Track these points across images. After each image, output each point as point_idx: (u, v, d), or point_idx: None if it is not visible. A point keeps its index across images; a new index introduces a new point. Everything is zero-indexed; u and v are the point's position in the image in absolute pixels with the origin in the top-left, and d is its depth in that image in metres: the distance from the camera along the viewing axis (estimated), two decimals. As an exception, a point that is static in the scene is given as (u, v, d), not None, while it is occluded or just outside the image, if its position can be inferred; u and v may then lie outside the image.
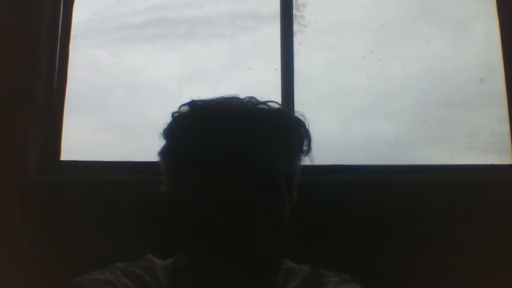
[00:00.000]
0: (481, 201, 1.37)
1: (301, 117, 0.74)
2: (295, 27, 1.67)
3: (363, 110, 1.65)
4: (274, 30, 1.66)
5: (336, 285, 0.69)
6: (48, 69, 1.58)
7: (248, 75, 1.66)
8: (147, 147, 1.41)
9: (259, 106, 0.73)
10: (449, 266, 1.32)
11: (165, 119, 0.75)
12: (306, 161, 0.76)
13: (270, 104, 0.73)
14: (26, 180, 1.41)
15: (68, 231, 1.34)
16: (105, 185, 1.41)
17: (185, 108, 0.73)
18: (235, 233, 0.63)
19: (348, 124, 1.66)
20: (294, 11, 1.69)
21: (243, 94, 0.75)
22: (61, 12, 1.64)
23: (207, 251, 0.65)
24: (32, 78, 1.51)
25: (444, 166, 1.53)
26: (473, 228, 1.34)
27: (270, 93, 1.53)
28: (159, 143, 0.74)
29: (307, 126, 0.74)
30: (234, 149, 0.66)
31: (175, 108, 0.75)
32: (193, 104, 0.73)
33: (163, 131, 0.74)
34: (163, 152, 0.74)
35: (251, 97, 0.73)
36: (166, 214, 0.72)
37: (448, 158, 1.57)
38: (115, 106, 1.66)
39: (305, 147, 0.74)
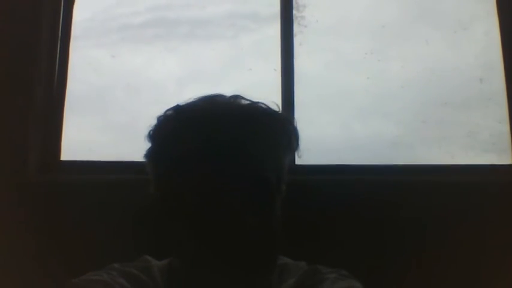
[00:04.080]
0: (481, 201, 1.37)
1: (286, 115, 0.74)
2: (295, 28, 1.67)
3: (362, 110, 1.65)
4: (275, 31, 1.67)
5: (334, 282, 0.69)
6: (48, 69, 1.58)
7: (248, 76, 1.65)
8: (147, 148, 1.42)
9: (243, 104, 0.72)
10: (449, 265, 1.32)
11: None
12: (305, 161, 0.76)
13: (254, 102, 0.73)
14: (26, 180, 1.41)
15: (67, 231, 1.34)
16: (105, 185, 1.41)
17: (170, 112, 0.73)
18: (227, 232, 0.63)
19: (347, 124, 1.66)
20: (294, 12, 1.69)
21: (242, 95, 0.75)
22: (61, 12, 1.64)
23: (200, 250, 0.65)
24: (32, 78, 1.51)
25: (444, 166, 1.53)
26: (473, 228, 1.34)
27: (270, 94, 1.53)
28: (145, 145, 0.74)
29: (293, 123, 0.75)
30: (221, 147, 0.66)
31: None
32: (178, 107, 0.73)
33: (148, 133, 0.74)
34: (148, 155, 0.74)
35: (236, 95, 0.73)
36: (157, 215, 0.72)
37: (448, 158, 1.57)
38: (115, 106, 1.66)
39: (293, 144, 0.74)
